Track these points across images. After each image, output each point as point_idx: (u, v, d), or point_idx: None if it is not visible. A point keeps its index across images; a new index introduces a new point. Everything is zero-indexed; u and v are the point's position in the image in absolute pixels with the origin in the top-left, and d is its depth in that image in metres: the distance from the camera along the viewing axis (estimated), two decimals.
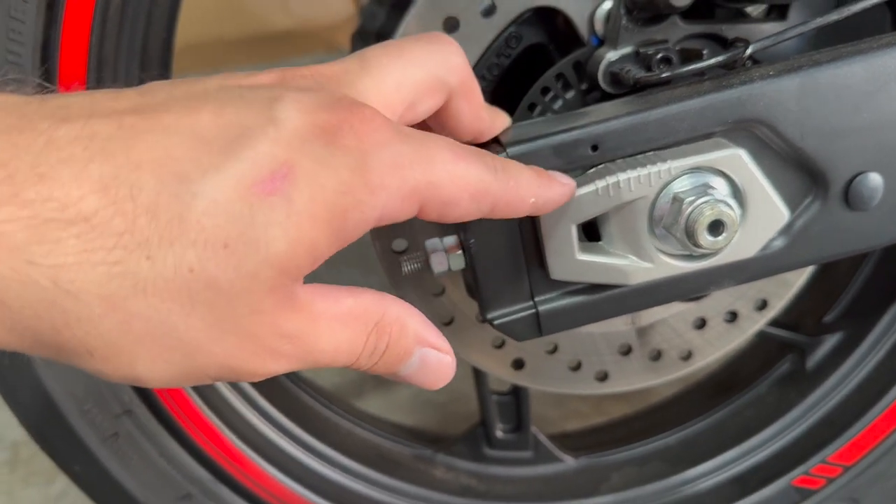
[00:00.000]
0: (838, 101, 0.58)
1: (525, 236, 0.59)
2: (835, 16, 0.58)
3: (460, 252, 0.60)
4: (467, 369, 1.40)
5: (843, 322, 0.95)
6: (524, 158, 0.56)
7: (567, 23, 0.68)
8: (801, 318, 0.99)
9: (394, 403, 1.36)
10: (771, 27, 0.66)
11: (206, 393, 0.78)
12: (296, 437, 0.84)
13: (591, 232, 0.61)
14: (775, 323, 0.96)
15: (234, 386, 0.81)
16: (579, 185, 0.56)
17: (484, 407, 0.92)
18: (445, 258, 0.60)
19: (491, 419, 0.93)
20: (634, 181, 0.56)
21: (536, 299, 0.61)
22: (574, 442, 1.00)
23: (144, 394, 0.74)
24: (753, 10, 0.68)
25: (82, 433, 0.71)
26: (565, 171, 0.56)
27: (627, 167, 0.56)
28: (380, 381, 1.40)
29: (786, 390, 0.96)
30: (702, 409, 1.00)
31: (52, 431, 0.71)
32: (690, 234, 0.55)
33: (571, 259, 0.58)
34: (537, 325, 0.61)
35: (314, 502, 0.82)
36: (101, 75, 0.67)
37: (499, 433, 0.93)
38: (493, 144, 0.58)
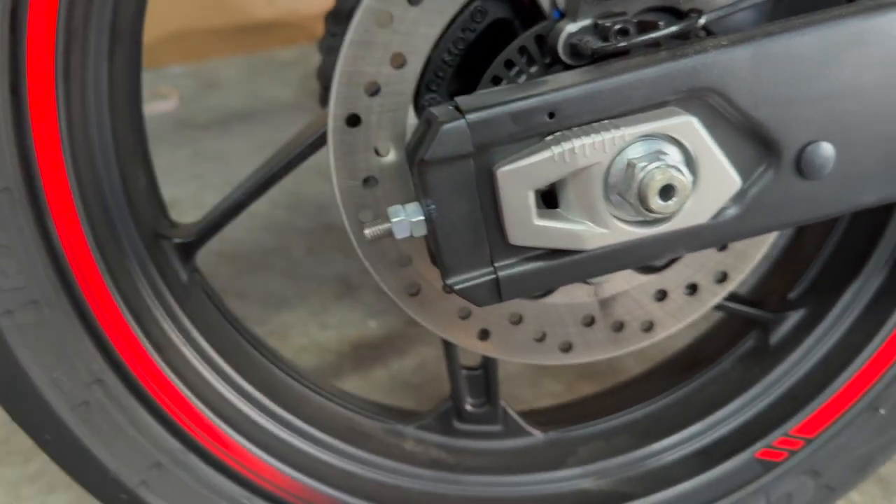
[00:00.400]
0: (791, 71, 0.60)
1: (485, 203, 0.60)
2: None
3: (422, 218, 0.61)
4: (441, 350, 1.42)
5: (806, 299, 0.97)
6: (482, 125, 0.58)
7: None
8: (766, 295, 1.01)
9: (371, 384, 1.38)
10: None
11: (177, 364, 0.79)
12: (267, 409, 0.85)
13: (550, 200, 0.63)
14: (740, 300, 0.98)
15: (206, 358, 0.82)
16: (536, 151, 0.58)
17: (454, 381, 0.94)
18: (408, 224, 0.62)
19: (461, 393, 0.94)
20: (589, 147, 0.57)
21: (496, 265, 0.62)
22: (543, 417, 1.02)
23: (115, 363, 0.75)
24: None
25: (52, 401, 0.72)
26: (522, 138, 0.58)
27: (583, 134, 0.58)
28: (356, 364, 1.42)
29: (750, 366, 0.98)
30: (668, 385, 1.02)
31: (21, 400, 0.72)
32: (643, 199, 0.57)
33: (529, 225, 0.60)
34: (497, 291, 0.63)
35: (284, 472, 0.83)
36: (70, 47, 0.68)
37: (468, 407, 0.95)
38: (452, 109, 0.59)
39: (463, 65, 0.74)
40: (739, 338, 1.01)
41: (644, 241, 0.61)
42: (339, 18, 1.06)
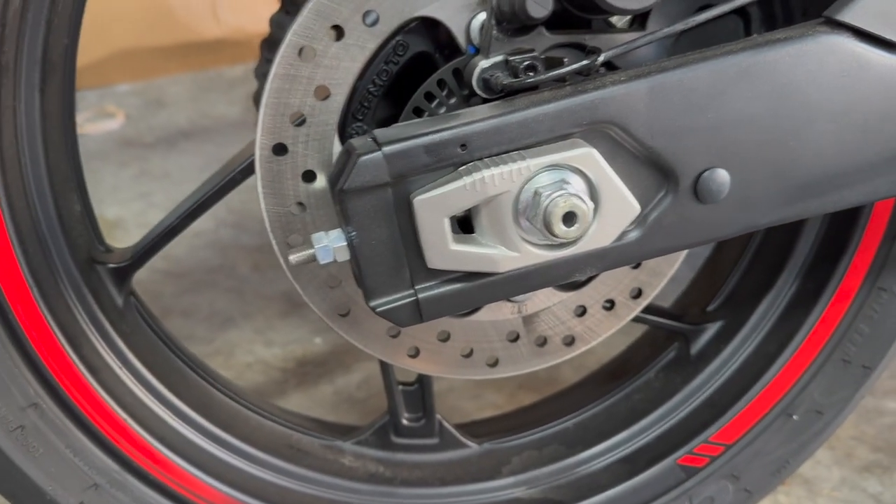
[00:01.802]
0: (685, 103, 0.64)
1: (404, 229, 0.64)
2: (680, 25, 0.65)
3: (344, 244, 0.65)
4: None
5: (723, 311, 1.03)
6: (398, 156, 0.61)
7: (448, 33, 0.73)
8: (687, 308, 1.06)
9: (316, 400, 1.40)
10: (631, 36, 0.72)
11: (112, 386, 0.81)
12: (203, 429, 0.87)
13: (468, 225, 0.66)
14: (663, 313, 1.03)
15: (141, 380, 0.84)
16: (450, 181, 0.62)
17: (390, 397, 0.97)
18: (331, 250, 0.65)
19: (397, 408, 0.97)
20: (498, 177, 0.61)
21: (416, 287, 0.66)
22: (480, 429, 1.05)
23: (50, 387, 0.76)
24: (618, 20, 0.74)
25: None
26: (436, 168, 0.62)
27: (492, 164, 0.62)
28: (301, 380, 1.44)
29: (672, 375, 1.03)
30: (597, 396, 1.06)
31: None
32: (548, 225, 0.61)
33: (445, 249, 0.64)
34: (418, 311, 0.66)
35: (223, 492, 0.86)
36: (1, 82, 0.70)
37: (405, 421, 0.98)
38: (370, 141, 0.63)
39: (388, 94, 0.77)
40: (663, 349, 1.06)
41: (553, 263, 0.65)
42: (273, 46, 1.09)
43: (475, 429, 1.05)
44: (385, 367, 0.96)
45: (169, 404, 0.85)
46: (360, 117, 0.77)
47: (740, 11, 0.75)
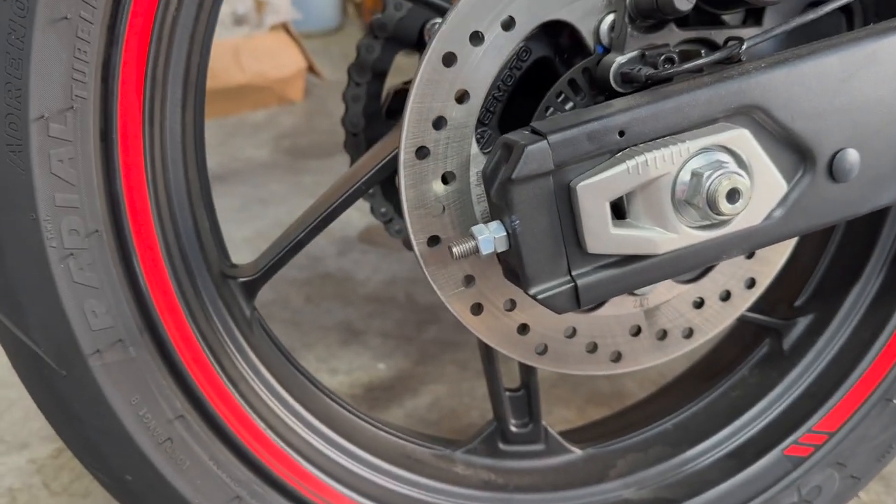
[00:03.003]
0: (820, 87, 0.68)
1: (563, 216, 0.66)
2: (811, 15, 0.69)
3: (504, 234, 0.67)
4: (458, 385, 1.46)
5: (812, 304, 1.05)
6: (562, 144, 0.64)
7: (572, 36, 0.76)
8: (775, 304, 1.09)
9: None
10: (748, 31, 0.76)
11: (250, 397, 0.82)
12: (332, 440, 0.88)
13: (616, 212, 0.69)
14: (752, 309, 1.05)
15: (273, 391, 0.85)
16: (611, 166, 0.64)
17: (498, 403, 0.98)
18: (492, 241, 0.67)
19: (505, 415, 0.98)
20: (659, 159, 0.64)
21: (574, 273, 0.68)
22: (578, 435, 1.06)
23: (196, 398, 0.77)
24: (730, 18, 0.78)
25: (139, 439, 0.74)
26: (596, 155, 0.65)
27: (652, 148, 0.64)
28: (372, 405, 1.44)
29: (767, 370, 1.05)
30: (692, 396, 1.08)
31: (108, 439, 0.74)
32: (712, 203, 0.64)
33: (606, 233, 0.66)
34: (576, 297, 0.68)
35: (355, 500, 0.86)
36: (154, 95, 0.72)
37: (513, 428, 0.99)
38: (528, 134, 0.65)
39: (510, 99, 0.80)
40: (754, 346, 1.08)
41: (706, 244, 0.68)
42: (362, 70, 1.12)
43: (574, 435, 1.06)
44: (491, 374, 0.97)
45: (299, 416, 0.86)
46: (486, 122, 0.79)
47: (844, 8, 0.79)
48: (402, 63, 1.30)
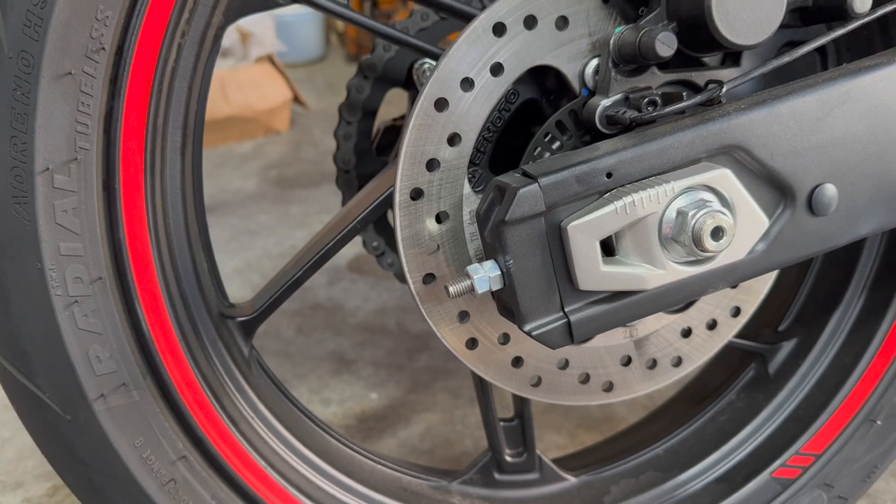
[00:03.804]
0: (797, 125, 0.71)
1: (555, 255, 0.69)
2: (787, 58, 0.72)
3: (499, 273, 0.69)
4: (450, 413, 1.47)
5: (796, 329, 1.08)
6: (553, 186, 0.66)
7: (558, 79, 0.79)
8: (760, 329, 1.11)
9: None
10: (727, 73, 0.79)
11: (250, 435, 0.83)
12: (330, 476, 0.89)
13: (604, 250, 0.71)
14: (738, 335, 1.08)
15: (272, 429, 0.86)
16: (600, 206, 0.67)
17: (492, 434, 1.00)
18: (487, 280, 0.69)
19: (499, 445, 1.00)
20: (646, 199, 0.67)
21: (567, 309, 0.70)
22: (572, 463, 1.08)
23: (197, 439, 0.78)
24: (710, 60, 0.81)
25: (143, 481, 0.75)
26: (585, 196, 0.67)
27: (638, 188, 0.67)
28: (366, 436, 1.45)
29: (754, 394, 1.08)
30: (681, 421, 1.10)
31: (113, 482, 0.75)
32: (697, 241, 0.66)
33: (597, 271, 0.68)
34: (569, 332, 0.70)
35: None
36: (155, 142, 0.74)
37: (507, 458, 1.01)
38: (519, 176, 0.68)
39: (498, 140, 0.83)
40: (740, 370, 1.11)
41: (693, 279, 0.70)
42: (352, 109, 1.14)
43: (568, 463, 1.08)
44: (485, 405, 0.99)
45: (297, 452, 0.87)
46: (477, 162, 0.82)
47: (819, 48, 0.83)
48: (391, 96, 1.33)
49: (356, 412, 1.51)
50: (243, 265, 2.00)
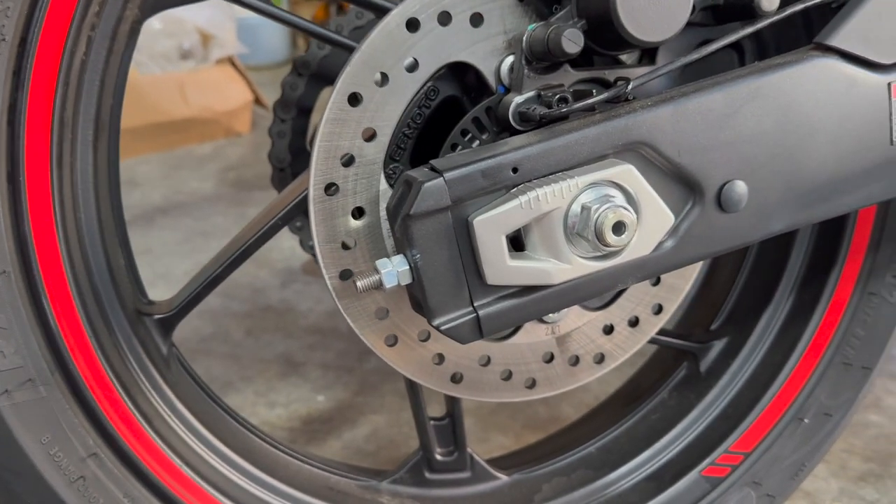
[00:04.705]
0: (705, 122, 0.72)
1: (462, 249, 0.69)
2: (695, 55, 0.72)
3: (408, 268, 0.69)
4: (397, 415, 1.47)
5: (727, 328, 1.09)
6: (458, 181, 0.66)
7: (477, 76, 0.79)
8: (691, 328, 1.12)
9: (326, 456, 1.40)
10: (638, 71, 0.80)
11: (165, 433, 0.82)
12: (250, 475, 0.88)
13: (515, 245, 0.71)
14: (670, 334, 1.09)
15: (190, 427, 0.85)
16: (506, 201, 0.67)
17: (423, 432, 0.99)
18: (395, 274, 0.69)
19: (430, 444, 1.00)
20: (550, 194, 0.67)
21: (476, 304, 0.70)
22: (506, 461, 1.08)
23: (108, 436, 0.77)
24: (627, 57, 0.82)
25: (50, 478, 0.74)
26: (491, 191, 0.67)
27: (543, 184, 0.67)
28: (310, 438, 1.44)
29: (685, 393, 1.09)
30: (614, 420, 1.10)
31: (19, 479, 0.73)
32: (599, 235, 0.67)
33: (503, 265, 0.68)
34: (478, 327, 0.70)
35: None
36: (63, 136, 0.73)
37: (438, 456, 1.00)
38: (427, 171, 0.68)
39: (420, 137, 0.83)
40: (672, 369, 1.11)
41: (600, 274, 0.71)
42: (286, 106, 1.14)
43: (502, 462, 1.08)
44: (416, 403, 0.98)
45: (217, 451, 0.87)
46: (397, 158, 0.82)
47: (735, 45, 0.84)
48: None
49: (302, 414, 1.51)
50: (195, 267, 1.98)
